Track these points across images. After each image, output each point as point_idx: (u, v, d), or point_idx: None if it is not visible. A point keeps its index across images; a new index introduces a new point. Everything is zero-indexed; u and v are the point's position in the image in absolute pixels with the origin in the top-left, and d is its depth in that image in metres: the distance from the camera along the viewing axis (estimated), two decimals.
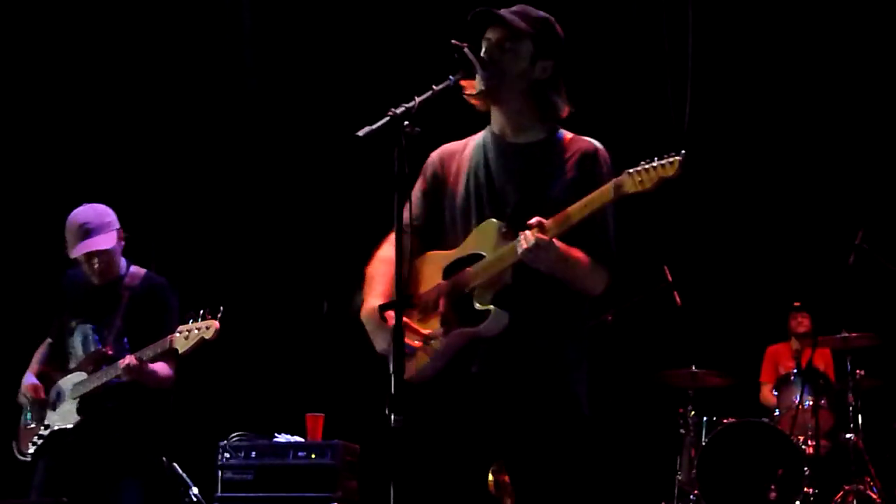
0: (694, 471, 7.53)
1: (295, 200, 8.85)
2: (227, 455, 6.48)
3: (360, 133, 3.25)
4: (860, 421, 7.67)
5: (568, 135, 3.69)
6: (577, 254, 3.45)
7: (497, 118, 3.71)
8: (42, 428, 5.28)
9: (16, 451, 5.36)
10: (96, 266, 5.28)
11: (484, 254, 3.51)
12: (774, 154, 8.79)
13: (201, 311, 5.01)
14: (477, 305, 3.48)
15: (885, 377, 7.89)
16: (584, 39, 8.35)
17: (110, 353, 5.21)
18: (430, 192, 3.75)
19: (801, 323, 8.57)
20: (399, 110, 3.27)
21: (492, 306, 3.45)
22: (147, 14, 8.61)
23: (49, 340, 5.54)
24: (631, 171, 3.34)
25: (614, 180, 3.36)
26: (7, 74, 8.38)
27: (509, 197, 3.58)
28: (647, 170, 3.33)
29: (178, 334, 4.99)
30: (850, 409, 7.71)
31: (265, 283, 8.72)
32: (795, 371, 8.00)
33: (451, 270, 3.59)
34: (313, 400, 7.16)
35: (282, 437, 6.62)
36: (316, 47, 8.82)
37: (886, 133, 8.54)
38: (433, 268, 3.64)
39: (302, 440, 6.62)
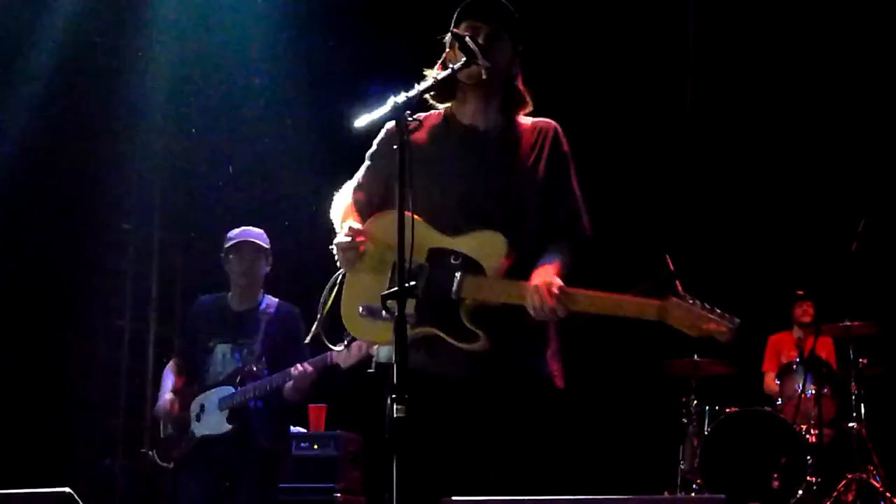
0: (697, 460, 7.53)
1: (295, 189, 8.84)
2: None
3: (360, 122, 3.25)
4: (863, 409, 7.67)
5: (527, 119, 3.75)
6: (559, 268, 3.49)
7: (469, 106, 3.72)
8: (187, 438, 5.63)
9: (157, 459, 5.75)
10: (245, 262, 5.77)
11: (484, 267, 3.48)
12: (777, 142, 8.79)
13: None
14: (466, 324, 3.44)
15: (887, 365, 7.89)
16: (587, 22, 8.42)
17: (255, 369, 5.61)
18: (386, 166, 3.67)
19: (806, 311, 8.58)
20: (399, 99, 3.26)
21: (481, 333, 3.43)
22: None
23: (176, 360, 5.96)
24: (682, 303, 3.34)
25: (660, 303, 3.39)
26: None
27: (491, 183, 3.60)
28: (699, 316, 3.36)
29: (337, 353, 5.32)
30: (853, 397, 7.70)
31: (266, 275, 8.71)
32: (798, 360, 7.99)
33: (435, 255, 3.55)
34: (316, 391, 7.15)
35: None
36: (316, 38, 8.81)
37: (888, 122, 8.53)
38: (418, 236, 3.43)
39: (305, 431, 6.63)
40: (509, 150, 3.65)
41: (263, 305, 5.82)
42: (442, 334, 3.47)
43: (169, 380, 5.85)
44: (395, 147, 3.30)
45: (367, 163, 3.79)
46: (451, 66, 3.49)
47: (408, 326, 3.25)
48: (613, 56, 8.50)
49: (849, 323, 7.67)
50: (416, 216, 3.44)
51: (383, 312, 3.23)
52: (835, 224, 8.11)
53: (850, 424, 7.64)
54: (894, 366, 7.96)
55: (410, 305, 3.37)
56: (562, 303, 3.34)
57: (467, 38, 3.51)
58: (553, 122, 3.74)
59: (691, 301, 3.29)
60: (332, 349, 5.28)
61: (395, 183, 3.31)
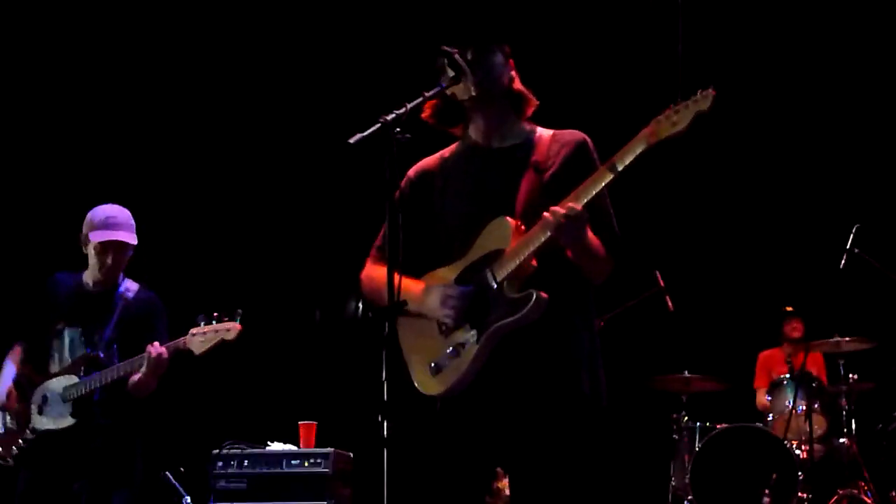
0: (688, 476, 7.52)
1: (286, 208, 8.85)
2: (220, 464, 6.47)
3: (352, 140, 3.25)
4: (853, 425, 7.68)
5: (548, 132, 3.73)
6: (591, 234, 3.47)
7: (479, 126, 3.71)
8: (27, 432, 5.23)
9: None
10: (109, 261, 5.32)
11: (500, 248, 3.49)
12: (766, 158, 8.81)
13: (214, 314, 5.07)
14: (512, 295, 3.44)
15: (877, 381, 7.90)
16: (573, 35, 8.45)
17: (102, 357, 5.21)
18: (410, 210, 3.72)
19: (795, 328, 8.58)
20: (389, 117, 3.27)
21: (532, 290, 3.41)
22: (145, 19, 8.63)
23: (22, 345, 5.49)
24: (660, 117, 3.32)
25: (644, 130, 3.35)
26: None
27: (509, 200, 3.58)
28: (677, 111, 3.30)
29: (192, 336, 5.04)
30: (844, 413, 7.72)
31: (257, 292, 8.71)
32: (788, 375, 8.00)
33: (463, 279, 3.56)
34: (306, 408, 7.15)
35: (275, 446, 6.61)
36: (306, 54, 8.82)
37: (878, 137, 8.56)
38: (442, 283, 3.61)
39: (295, 448, 6.61)
40: (521, 163, 3.63)
41: (122, 289, 5.38)
42: (504, 322, 3.44)
43: (9, 367, 5.40)
44: (418, 187, 3.61)
45: (397, 216, 3.60)
46: (441, 82, 3.51)
47: (474, 347, 3.41)
48: (600, 70, 8.53)
49: (839, 339, 7.68)
50: (431, 272, 3.60)
51: (446, 360, 3.47)
52: (824, 239, 8.13)
53: (841, 440, 7.65)
54: (884, 382, 7.97)
55: (464, 331, 3.46)
56: (573, 203, 3.34)
57: (456, 55, 3.53)
58: (578, 134, 3.70)
59: (667, 112, 3.30)
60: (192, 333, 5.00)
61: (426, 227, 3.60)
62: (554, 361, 3.48)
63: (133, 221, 5.40)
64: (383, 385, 3.11)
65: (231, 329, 5.03)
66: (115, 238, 5.28)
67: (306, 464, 6.39)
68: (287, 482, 6.37)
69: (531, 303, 3.40)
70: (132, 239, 5.34)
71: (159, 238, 8.17)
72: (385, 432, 3.07)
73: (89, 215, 5.37)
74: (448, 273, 3.60)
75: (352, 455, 6.62)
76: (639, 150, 3.35)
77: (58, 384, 5.22)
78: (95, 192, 5.83)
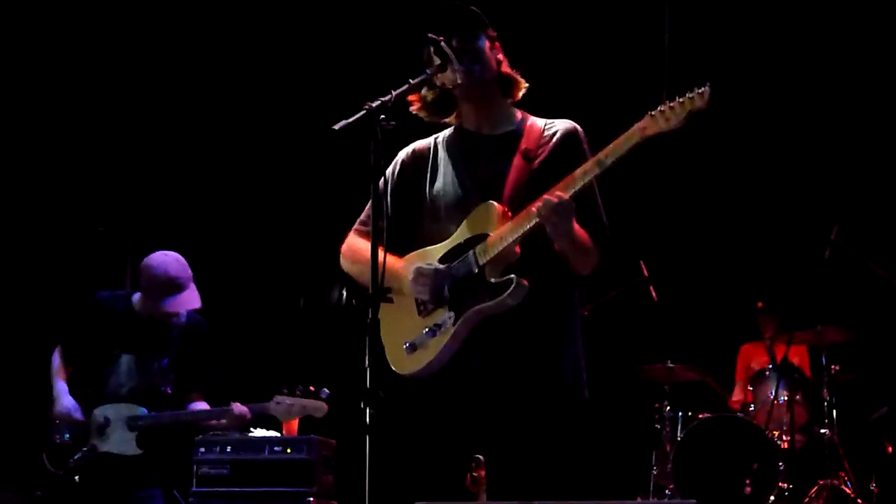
0: (669, 465, 7.54)
1: (271, 195, 8.83)
2: (202, 450, 6.47)
3: (336, 127, 3.25)
4: (835, 416, 7.71)
5: (540, 120, 3.74)
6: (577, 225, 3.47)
7: (470, 113, 3.72)
8: (85, 448, 5.37)
9: (48, 464, 5.43)
10: (174, 320, 5.47)
11: (486, 233, 3.51)
12: (750, 148, 8.82)
13: (300, 386, 5.35)
14: (493, 279, 3.46)
15: (859, 372, 7.93)
16: (558, 24, 8.44)
17: (169, 392, 5.41)
18: (399, 192, 3.74)
19: (767, 327, 8.54)
20: (375, 104, 3.27)
21: (513, 276, 3.43)
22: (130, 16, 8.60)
23: (62, 348, 5.59)
24: (654, 111, 3.33)
25: (637, 124, 3.35)
26: None
27: (498, 187, 3.59)
28: (672, 107, 3.31)
29: (276, 405, 5.32)
30: (825, 403, 7.74)
31: (242, 280, 8.70)
32: (771, 366, 8.02)
33: (447, 260, 3.58)
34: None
35: (257, 432, 6.60)
36: (292, 41, 8.80)
37: (862, 128, 8.58)
38: (427, 262, 3.62)
39: (277, 435, 6.61)
40: (510, 150, 3.64)
41: (174, 316, 5.52)
42: (482, 306, 3.46)
43: (61, 384, 5.51)
44: (409, 168, 3.68)
45: (381, 204, 3.58)
46: (427, 70, 3.51)
47: (451, 329, 3.43)
48: (585, 59, 8.52)
49: (821, 329, 7.70)
50: (416, 251, 3.62)
51: (422, 340, 3.50)
52: (808, 231, 8.14)
53: (822, 430, 7.67)
54: (866, 373, 8.00)
55: (443, 312, 3.47)
56: (561, 193, 3.37)
57: (441, 43, 3.53)
58: (570, 123, 3.72)
59: (661, 107, 3.31)
60: (276, 400, 5.28)
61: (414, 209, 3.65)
62: (534, 349, 3.49)
63: (189, 271, 5.46)
64: (366, 372, 3.11)
65: (320, 408, 5.35)
66: (185, 308, 5.42)
67: (289, 450, 6.40)
68: (269, 468, 6.37)
69: (511, 288, 3.41)
70: (198, 301, 5.43)
71: (147, 220, 8.21)
72: (368, 419, 3.07)
73: (150, 273, 5.42)
74: (433, 253, 3.61)
75: (334, 442, 6.63)
76: (631, 144, 3.36)
77: (122, 411, 5.37)
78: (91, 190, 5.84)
